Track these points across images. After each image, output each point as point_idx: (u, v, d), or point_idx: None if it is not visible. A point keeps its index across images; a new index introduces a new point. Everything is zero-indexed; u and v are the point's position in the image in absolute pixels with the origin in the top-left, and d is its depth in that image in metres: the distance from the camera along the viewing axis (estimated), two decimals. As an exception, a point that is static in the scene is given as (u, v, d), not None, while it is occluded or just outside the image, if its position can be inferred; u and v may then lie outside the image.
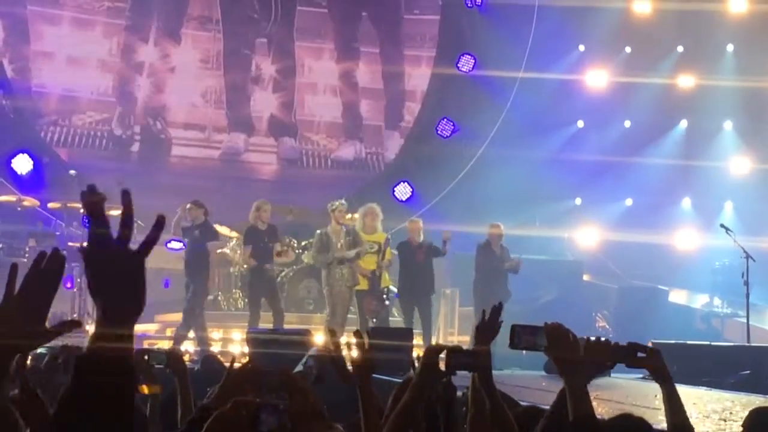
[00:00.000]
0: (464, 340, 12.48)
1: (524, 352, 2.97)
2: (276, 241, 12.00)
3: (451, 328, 14.31)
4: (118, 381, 1.46)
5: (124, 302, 1.52)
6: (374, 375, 3.05)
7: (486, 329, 3.11)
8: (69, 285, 12.24)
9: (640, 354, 2.91)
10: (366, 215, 12.09)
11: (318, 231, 11.88)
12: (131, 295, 1.52)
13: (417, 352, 6.88)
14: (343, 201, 11.93)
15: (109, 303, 1.51)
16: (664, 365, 2.94)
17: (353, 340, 3.08)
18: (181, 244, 12.18)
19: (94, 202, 1.53)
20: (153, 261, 1.86)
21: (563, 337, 2.75)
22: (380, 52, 17.68)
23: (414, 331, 10.66)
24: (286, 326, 11.67)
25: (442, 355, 2.95)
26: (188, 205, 11.67)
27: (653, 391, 2.92)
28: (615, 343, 2.93)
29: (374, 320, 11.42)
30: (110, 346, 1.47)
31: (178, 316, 11.99)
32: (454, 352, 2.97)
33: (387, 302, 11.61)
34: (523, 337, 2.82)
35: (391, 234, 12.38)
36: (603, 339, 2.89)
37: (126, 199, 1.53)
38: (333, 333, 4.06)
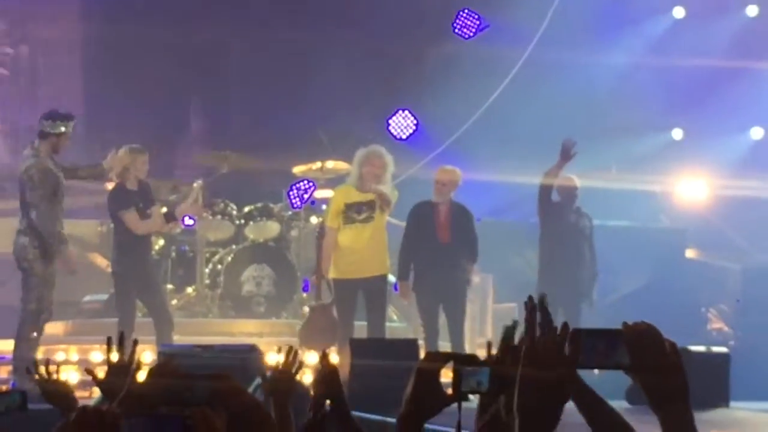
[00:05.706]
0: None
1: (596, 371, 2.86)
2: (152, 205, 12.11)
3: (480, 336, 14.24)
4: None
5: None
6: (360, 414, 3.00)
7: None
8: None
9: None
10: (365, 163, 11.58)
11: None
12: None
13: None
14: None
15: None
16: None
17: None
18: None
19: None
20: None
21: (655, 346, 2.69)
22: None
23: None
24: (222, 340, 11.62)
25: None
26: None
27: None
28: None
29: None
30: None
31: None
32: (465, 364, 2.89)
33: None
34: (591, 348, 2.68)
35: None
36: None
37: None
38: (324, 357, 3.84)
